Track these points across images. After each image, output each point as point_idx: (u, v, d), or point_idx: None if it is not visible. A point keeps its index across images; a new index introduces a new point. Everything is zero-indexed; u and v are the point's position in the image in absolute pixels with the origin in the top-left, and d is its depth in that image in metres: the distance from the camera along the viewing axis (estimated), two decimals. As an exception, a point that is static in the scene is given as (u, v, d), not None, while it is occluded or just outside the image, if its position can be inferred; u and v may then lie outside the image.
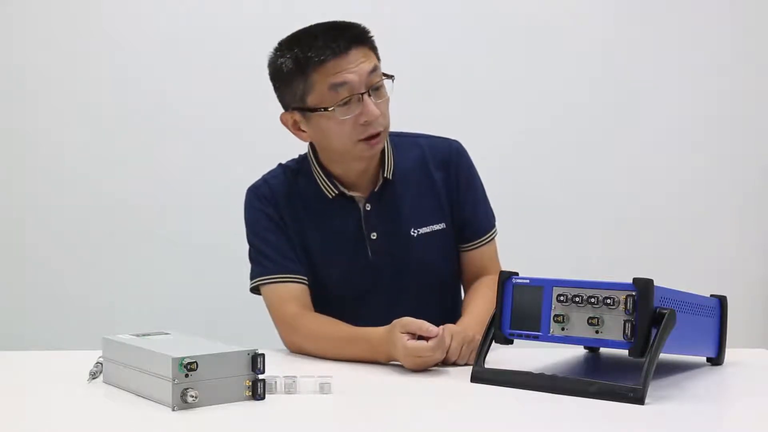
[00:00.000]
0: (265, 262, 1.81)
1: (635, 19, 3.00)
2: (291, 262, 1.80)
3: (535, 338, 1.41)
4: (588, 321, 1.36)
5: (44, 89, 2.84)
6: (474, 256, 1.89)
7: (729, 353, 1.62)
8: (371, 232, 1.82)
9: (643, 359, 1.30)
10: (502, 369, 1.44)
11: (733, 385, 1.50)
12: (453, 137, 1.94)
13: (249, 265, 1.87)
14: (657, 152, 3.00)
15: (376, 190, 1.82)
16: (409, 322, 1.54)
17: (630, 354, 1.32)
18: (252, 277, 1.84)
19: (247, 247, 1.87)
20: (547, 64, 2.96)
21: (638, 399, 1.27)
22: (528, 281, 1.44)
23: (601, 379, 1.34)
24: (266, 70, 2.82)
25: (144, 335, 1.42)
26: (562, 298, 1.38)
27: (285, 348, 1.80)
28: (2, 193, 2.84)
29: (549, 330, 1.40)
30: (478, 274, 1.88)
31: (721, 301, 1.60)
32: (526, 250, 2.46)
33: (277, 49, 1.75)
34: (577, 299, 1.37)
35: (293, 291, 1.79)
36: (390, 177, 1.82)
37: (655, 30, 3.00)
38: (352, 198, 1.82)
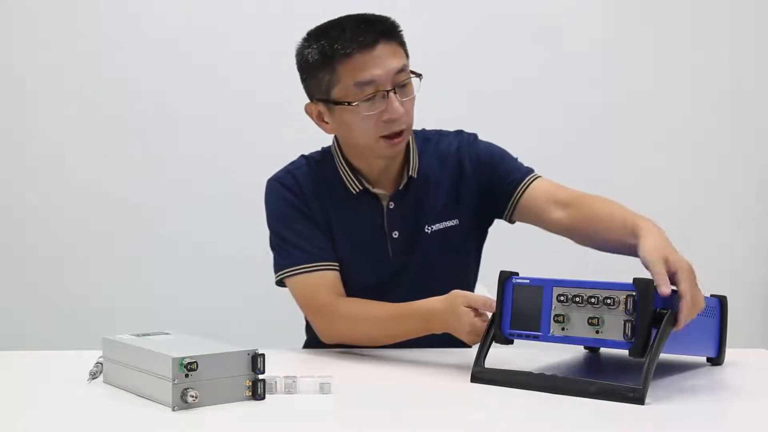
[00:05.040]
0: (293, 251, 1.76)
1: (635, 19, 3.00)
2: (321, 250, 1.76)
3: (535, 338, 1.41)
4: (588, 321, 1.36)
5: (44, 89, 2.84)
6: (531, 195, 1.77)
7: (729, 353, 1.62)
8: (393, 231, 1.80)
9: (643, 359, 1.30)
10: (502, 369, 1.44)
11: (733, 385, 1.50)
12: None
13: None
14: (657, 152, 3.00)
15: (400, 188, 1.80)
16: (471, 296, 1.55)
17: (630, 354, 1.32)
18: (278, 269, 1.79)
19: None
20: (548, 64, 2.96)
21: (638, 399, 1.27)
22: (528, 281, 1.43)
23: (601, 379, 1.34)
24: (266, 70, 2.86)
25: (144, 335, 1.42)
26: (562, 298, 1.38)
27: (287, 347, 1.79)
28: (2, 193, 2.84)
29: (549, 330, 1.40)
30: (554, 200, 1.74)
31: (721, 301, 1.60)
32: (526, 250, 2.46)
33: (305, 39, 1.73)
34: (577, 299, 1.37)
35: (326, 278, 1.74)
36: (414, 175, 1.80)
37: (655, 30, 3.01)
38: (375, 195, 1.80)
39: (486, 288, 1.98)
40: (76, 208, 2.84)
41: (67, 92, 2.85)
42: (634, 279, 1.34)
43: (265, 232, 1.84)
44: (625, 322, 1.33)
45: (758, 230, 3.04)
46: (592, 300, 1.36)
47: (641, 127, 3.00)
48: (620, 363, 1.62)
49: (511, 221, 1.84)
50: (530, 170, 1.82)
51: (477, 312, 1.53)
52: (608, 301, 1.34)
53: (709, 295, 1.58)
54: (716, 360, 1.60)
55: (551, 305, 1.39)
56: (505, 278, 1.45)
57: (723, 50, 3.02)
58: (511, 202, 1.79)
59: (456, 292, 1.58)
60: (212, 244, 2.83)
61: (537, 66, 2.95)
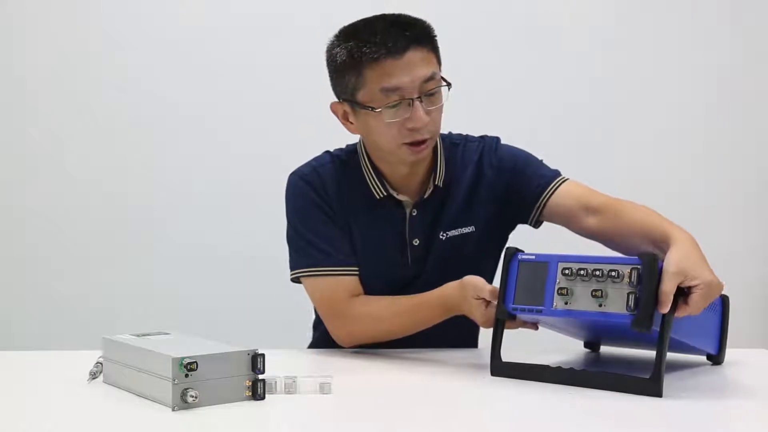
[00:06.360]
0: (313, 252, 1.74)
1: (635, 19, 3.00)
2: (342, 254, 1.74)
3: (539, 312, 1.41)
4: (592, 294, 1.35)
5: (44, 89, 2.84)
6: (559, 199, 1.73)
7: (729, 353, 1.62)
8: (414, 239, 1.77)
9: (655, 348, 1.31)
10: (520, 363, 1.44)
11: (733, 385, 1.50)
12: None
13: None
14: (657, 152, 3.00)
15: (425, 197, 1.77)
16: (480, 287, 1.55)
17: (632, 325, 1.31)
18: (295, 266, 1.77)
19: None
20: (547, 64, 2.96)
21: (656, 391, 1.29)
22: (533, 257, 1.43)
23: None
24: (266, 70, 2.86)
25: (144, 335, 1.42)
26: (567, 271, 1.38)
27: (287, 347, 1.79)
28: (2, 193, 2.84)
29: (552, 304, 1.39)
30: (585, 207, 1.70)
31: (723, 300, 1.60)
32: (527, 250, 2.46)
33: (335, 37, 1.69)
34: (581, 272, 1.37)
35: (346, 283, 1.73)
36: (440, 185, 1.77)
37: (655, 30, 3.01)
38: (399, 201, 1.77)
39: None
40: (76, 208, 2.84)
41: (67, 92, 2.85)
42: (640, 253, 1.34)
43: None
44: (629, 294, 1.32)
45: (758, 230, 3.04)
46: (597, 273, 1.36)
47: (641, 127, 3.00)
48: (620, 361, 1.62)
49: (536, 226, 1.81)
50: (557, 173, 1.78)
51: (487, 302, 1.54)
52: (613, 273, 1.34)
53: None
54: (716, 358, 1.60)
55: (556, 279, 1.39)
56: (511, 254, 1.45)
57: (723, 50, 3.02)
58: (537, 207, 1.75)
59: (467, 280, 1.58)
60: (212, 244, 2.83)
61: (536, 66, 2.95)
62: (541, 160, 1.82)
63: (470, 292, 1.57)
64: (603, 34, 2.98)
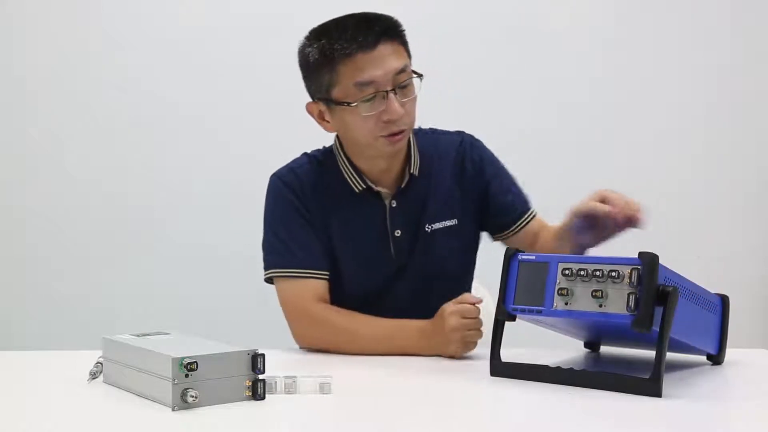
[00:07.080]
0: (285, 254, 1.77)
1: (635, 19, 3.00)
2: (313, 257, 1.76)
3: (539, 313, 1.40)
4: (592, 294, 1.35)
5: (44, 89, 2.85)
6: (526, 232, 1.87)
7: (729, 353, 1.61)
8: (395, 230, 1.80)
9: (654, 348, 1.30)
10: (520, 363, 1.44)
11: (733, 385, 1.50)
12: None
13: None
14: (657, 152, 3.00)
15: (402, 186, 1.80)
16: (464, 296, 1.64)
17: (633, 326, 1.30)
18: (269, 267, 1.79)
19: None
20: (548, 64, 2.96)
21: (656, 392, 1.29)
22: (534, 257, 1.43)
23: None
24: (265, 70, 2.86)
25: (144, 335, 1.42)
26: (567, 272, 1.38)
27: (287, 347, 1.79)
28: (2, 193, 2.84)
29: (552, 304, 1.39)
30: (546, 229, 1.87)
31: (723, 300, 1.60)
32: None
33: (306, 38, 1.73)
34: (582, 273, 1.37)
35: (314, 287, 1.75)
36: (416, 173, 1.80)
37: (655, 30, 3.01)
38: (378, 194, 1.79)
39: (483, 286, 1.98)
40: (76, 208, 2.84)
41: (67, 92, 2.85)
42: (640, 253, 1.34)
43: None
44: (629, 294, 1.32)
45: (758, 230, 3.04)
46: (597, 273, 1.35)
47: (641, 127, 3.00)
48: (620, 361, 1.62)
49: (495, 240, 1.90)
50: (529, 203, 1.89)
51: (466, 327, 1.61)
52: (613, 274, 1.34)
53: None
54: (716, 358, 1.60)
55: (556, 279, 1.39)
56: (511, 255, 1.45)
57: (723, 50, 3.02)
58: (509, 231, 1.86)
59: (446, 305, 1.64)
60: (212, 244, 2.83)
61: (536, 66, 2.95)
62: (515, 178, 1.91)
63: (451, 321, 1.60)
64: (603, 34, 2.99)
